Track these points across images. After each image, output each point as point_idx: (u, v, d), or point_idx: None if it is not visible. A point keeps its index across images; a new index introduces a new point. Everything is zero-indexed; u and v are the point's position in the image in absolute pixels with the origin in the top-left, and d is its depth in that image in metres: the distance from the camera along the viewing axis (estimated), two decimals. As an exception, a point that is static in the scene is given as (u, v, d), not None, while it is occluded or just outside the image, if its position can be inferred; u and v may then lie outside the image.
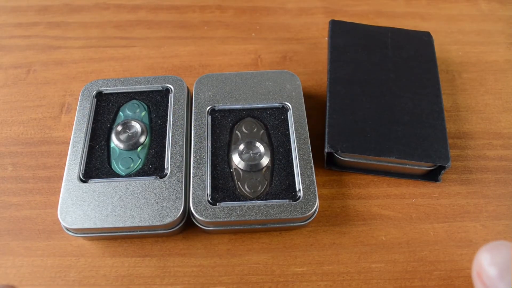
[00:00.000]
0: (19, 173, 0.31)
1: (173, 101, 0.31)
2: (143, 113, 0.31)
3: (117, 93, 0.32)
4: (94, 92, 0.32)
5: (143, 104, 0.31)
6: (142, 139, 0.30)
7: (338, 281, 0.27)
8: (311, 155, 0.29)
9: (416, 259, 0.28)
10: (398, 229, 0.29)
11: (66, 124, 0.33)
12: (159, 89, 0.32)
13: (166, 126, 0.30)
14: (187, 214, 0.27)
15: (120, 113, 0.31)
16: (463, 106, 0.35)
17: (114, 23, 0.40)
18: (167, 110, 0.31)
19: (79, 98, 0.31)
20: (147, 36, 0.39)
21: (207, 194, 0.27)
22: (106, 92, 0.32)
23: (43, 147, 0.32)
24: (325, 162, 0.30)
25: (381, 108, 0.30)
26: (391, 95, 0.31)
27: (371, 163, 0.29)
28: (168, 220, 0.26)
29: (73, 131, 0.30)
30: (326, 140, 0.29)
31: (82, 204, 0.27)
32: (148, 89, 0.32)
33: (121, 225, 0.26)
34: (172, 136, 0.29)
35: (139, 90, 0.32)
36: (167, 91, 0.32)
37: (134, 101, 0.32)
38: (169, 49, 0.38)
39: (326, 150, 0.29)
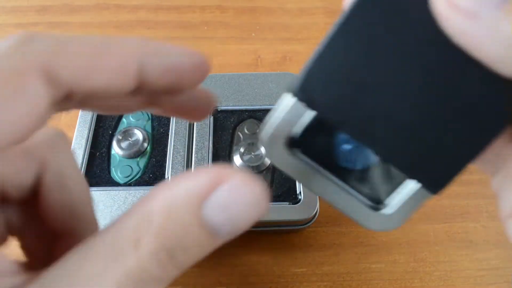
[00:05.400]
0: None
1: None
2: (146, 121, 0.31)
3: None
4: None
5: (146, 111, 0.31)
6: (143, 147, 0.29)
7: (338, 282, 0.27)
8: (311, 156, 0.28)
9: (416, 259, 0.28)
10: (398, 230, 0.29)
11: (67, 130, 0.33)
12: None
13: (168, 135, 0.30)
14: None
15: (124, 119, 0.31)
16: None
17: (114, 23, 0.40)
18: (170, 118, 0.31)
19: None
20: (147, 36, 0.39)
21: (208, 195, 0.27)
22: None
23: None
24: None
25: None
26: None
27: None
28: None
29: (74, 137, 0.29)
30: None
31: None
32: None
33: None
34: (173, 145, 0.29)
35: None
36: None
37: None
38: (169, 49, 0.38)
39: None
